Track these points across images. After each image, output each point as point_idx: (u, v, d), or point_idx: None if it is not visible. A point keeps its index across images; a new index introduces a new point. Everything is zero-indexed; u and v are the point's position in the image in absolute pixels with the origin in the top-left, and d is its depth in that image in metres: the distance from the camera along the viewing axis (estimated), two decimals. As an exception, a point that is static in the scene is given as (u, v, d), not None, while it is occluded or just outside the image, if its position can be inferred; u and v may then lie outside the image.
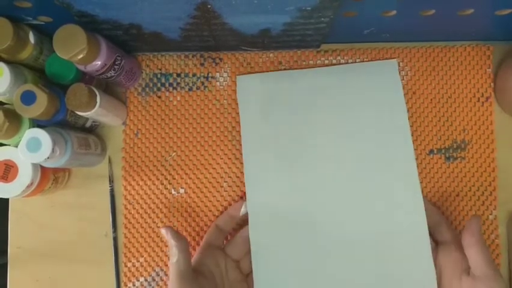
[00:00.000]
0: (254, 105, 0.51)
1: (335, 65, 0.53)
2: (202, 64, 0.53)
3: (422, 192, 0.50)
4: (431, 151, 0.51)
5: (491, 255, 0.50)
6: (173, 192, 0.52)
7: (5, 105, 0.45)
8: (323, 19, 0.43)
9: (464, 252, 0.43)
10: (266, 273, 0.47)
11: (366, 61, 0.52)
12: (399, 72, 0.52)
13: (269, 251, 0.47)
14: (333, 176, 0.49)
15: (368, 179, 0.49)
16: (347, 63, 0.52)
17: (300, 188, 0.49)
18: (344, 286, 0.46)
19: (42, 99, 0.41)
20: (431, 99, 0.52)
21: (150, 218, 0.52)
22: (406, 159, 0.49)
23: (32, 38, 0.43)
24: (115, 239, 0.51)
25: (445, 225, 0.47)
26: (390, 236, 0.47)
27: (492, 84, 0.52)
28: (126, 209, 0.52)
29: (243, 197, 0.51)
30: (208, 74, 0.53)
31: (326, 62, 0.53)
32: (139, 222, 0.52)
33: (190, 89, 0.53)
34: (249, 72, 0.53)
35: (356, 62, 0.53)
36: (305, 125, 0.50)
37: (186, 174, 0.52)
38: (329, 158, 0.49)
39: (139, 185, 0.52)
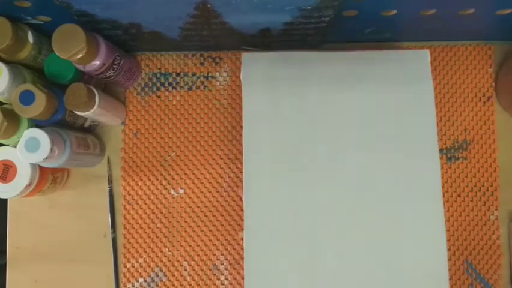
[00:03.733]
0: (260, 91, 0.44)
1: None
2: (201, 64, 0.53)
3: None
4: (432, 151, 0.51)
5: (493, 256, 0.50)
6: (172, 192, 0.52)
7: (4, 105, 0.44)
8: (323, 18, 0.43)
9: None
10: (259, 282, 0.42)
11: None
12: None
13: (265, 259, 0.42)
14: (346, 185, 0.42)
15: (384, 193, 0.42)
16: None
17: (305, 198, 0.43)
18: None
19: (41, 99, 0.41)
20: (432, 99, 0.52)
21: (149, 218, 0.51)
22: (431, 176, 0.42)
23: (30, 37, 0.43)
24: (114, 240, 0.51)
25: None
26: (403, 264, 0.42)
27: (493, 83, 0.52)
28: (125, 209, 0.51)
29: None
30: (208, 73, 0.53)
31: (326, 61, 0.53)
32: (138, 223, 0.51)
33: (190, 89, 0.53)
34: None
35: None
36: (318, 120, 0.43)
37: (186, 174, 0.52)
38: (342, 163, 0.43)
39: (138, 185, 0.52)
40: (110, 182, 0.52)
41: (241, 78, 0.45)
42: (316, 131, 0.43)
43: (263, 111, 0.44)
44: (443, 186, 0.51)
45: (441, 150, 0.51)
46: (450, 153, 0.51)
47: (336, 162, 0.43)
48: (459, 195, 0.51)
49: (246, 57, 0.45)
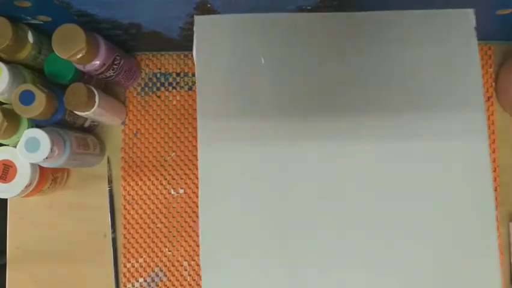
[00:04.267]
0: (223, 72, 0.30)
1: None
2: (201, 64, 0.53)
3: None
4: (432, 151, 0.51)
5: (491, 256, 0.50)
6: (172, 192, 0.52)
7: (4, 105, 0.44)
8: (323, 18, 0.43)
9: None
10: None
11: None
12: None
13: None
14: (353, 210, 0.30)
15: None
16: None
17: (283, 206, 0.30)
18: None
19: (41, 99, 0.41)
20: (432, 99, 0.52)
21: (149, 218, 0.51)
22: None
23: (30, 37, 0.43)
24: (114, 240, 0.51)
25: None
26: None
27: (493, 84, 0.52)
28: (125, 209, 0.51)
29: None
30: (207, 73, 0.53)
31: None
32: (138, 223, 0.51)
33: (190, 89, 0.53)
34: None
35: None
36: (313, 105, 0.29)
37: (186, 174, 0.52)
38: (345, 168, 0.29)
39: (138, 185, 0.52)
40: (110, 182, 0.52)
41: (193, 54, 0.30)
42: (307, 124, 0.29)
43: (227, 100, 0.29)
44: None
45: (441, 150, 0.51)
46: (450, 153, 0.51)
47: (332, 175, 0.29)
48: (459, 195, 0.51)
49: (201, 22, 0.30)
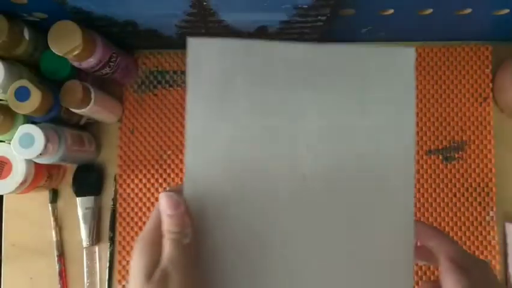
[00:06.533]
0: (211, 89, 0.33)
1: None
2: (198, 62, 0.53)
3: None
4: (429, 151, 0.51)
5: (488, 256, 0.50)
6: (168, 190, 0.52)
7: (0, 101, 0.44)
8: (320, 17, 0.43)
9: None
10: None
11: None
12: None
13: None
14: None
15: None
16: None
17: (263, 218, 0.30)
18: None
19: (36, 95, 0.41)
20: (429, 99, 0.52)
21: (146, 216, 0.51)
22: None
23: (26, 34, 0.43)
24: (111, 238, 0.51)
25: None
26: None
27: (491, 84, 0.52)
28: (121, 207, 0.51)
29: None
30: (204, 71, 0.53)
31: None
32: (134, 221, 0.51)
33: (187, 87, 0.53)
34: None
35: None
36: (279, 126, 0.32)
37: (183, 172, 0.52)
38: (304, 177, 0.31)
39: (134, 183, 0.52)
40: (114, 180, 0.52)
41: (187, 72, 0.33)
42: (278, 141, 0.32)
43: (213, 117, 0.32)
44: (438, 187, 0.51)
45: (437, 150, 0.51)
46: (446, 153, 0.51)
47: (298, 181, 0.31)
48: (455, 195, 0.51)
49: (195, 44, 0.33)
